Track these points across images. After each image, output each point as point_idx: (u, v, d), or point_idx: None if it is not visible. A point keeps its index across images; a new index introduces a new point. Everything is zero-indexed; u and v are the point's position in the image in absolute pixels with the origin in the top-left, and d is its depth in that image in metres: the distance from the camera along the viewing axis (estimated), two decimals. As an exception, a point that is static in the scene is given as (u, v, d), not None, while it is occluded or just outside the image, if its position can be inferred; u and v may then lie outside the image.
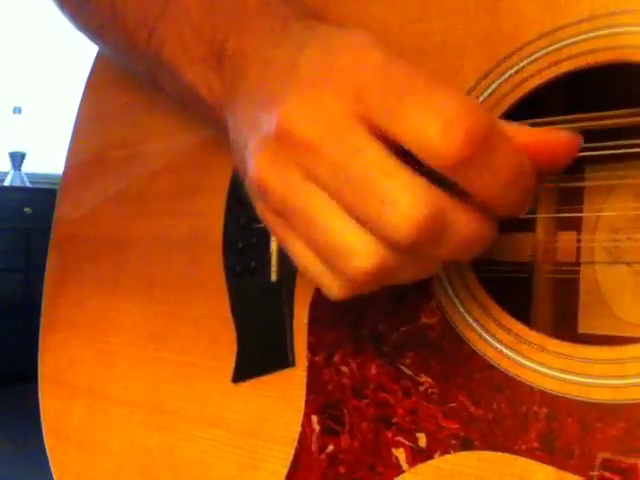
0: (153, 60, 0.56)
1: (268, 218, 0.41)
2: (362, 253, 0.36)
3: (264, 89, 0.41)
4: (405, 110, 0.34)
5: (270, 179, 0.38)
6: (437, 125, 0.33)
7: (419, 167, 0.35)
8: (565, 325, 0.49)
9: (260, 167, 0.38)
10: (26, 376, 0.85)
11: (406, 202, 0.34)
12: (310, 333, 0.51)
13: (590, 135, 0.41)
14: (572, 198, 0.49)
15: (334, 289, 0.39)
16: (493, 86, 0.45)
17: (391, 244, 0.35)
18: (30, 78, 2.89)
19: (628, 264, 0.47)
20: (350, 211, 0.36)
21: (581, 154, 0.42)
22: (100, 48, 0.71)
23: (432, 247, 0.36)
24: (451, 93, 0.34)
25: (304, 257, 0.39)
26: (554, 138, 0.37)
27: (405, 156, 0.35)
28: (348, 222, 0.36)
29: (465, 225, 0.36)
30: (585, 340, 0.41)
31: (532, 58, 0.44)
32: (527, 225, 0.49)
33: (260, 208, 0.41)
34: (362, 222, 0.36)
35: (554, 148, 0.37)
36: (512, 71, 0.45)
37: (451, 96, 0.34)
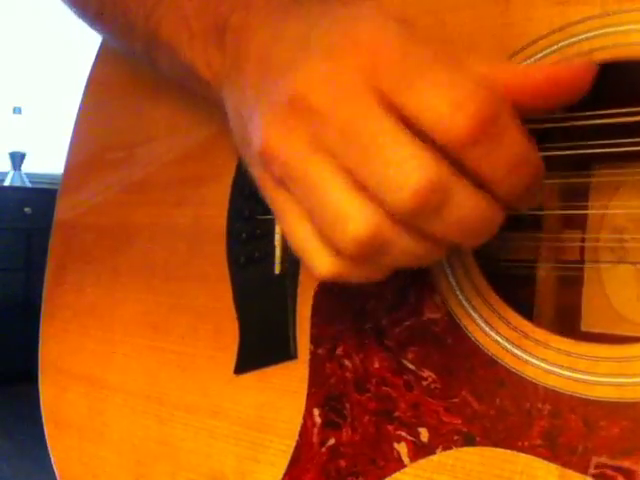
0: (151, 39, 0.55)
1: (268, 188, 0.41)
2: (358, 219, 0.36)
3: (274, 60, 0.41)
4: (419, 85, 0.35)
5: (277, 145, 0.38)
6: (449, 101, 0.34)
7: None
8: (568, 323, 0.49)
9: (268, 133, 0.38)
10: (26, 376, 0.85)
11: (410, 166, 0.34)
12: (313, 326, 0.51)
13: (597, 132, 0.42)
14: (577, 196, 0.49)
15: (324, 264, 0.39)
16: (503, 81, 0.45)
17: (389, 211, 0.36)
18: (30, 78, 2.90)
19: (633, 264, 0.47)
20: (353, 176, 0.36)
21: (588, 151, 0.42)
22: (98, 33, 0.71)
23: (430, 219, 0.36)
24: (466, 73, 0.35)
25: (299, 228, 0.39)
26: (568, 69, 0.38)
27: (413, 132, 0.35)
28: (348, 189, 0.36)
29: (466, 201, 0.36)
30: (587, 338, 0.41)
31: (542, 54, 0.44)
32: (532, 223, 0.49)
33: (262, 178, 0.41)
34: (364, 187, 0.36)
35: (570, 79, 0.38)
36: (522, 66, 0.45)
37: (466, 75, 0.35)
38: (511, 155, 0.35)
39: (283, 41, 0.41)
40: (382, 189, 0.35)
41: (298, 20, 0.42)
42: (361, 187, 0.36)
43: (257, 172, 0.41)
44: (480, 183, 0.36)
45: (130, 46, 0.62)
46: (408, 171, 0.34)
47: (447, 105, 0.34)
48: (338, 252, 0.38)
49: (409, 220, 0.36)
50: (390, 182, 0.35)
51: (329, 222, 0.37)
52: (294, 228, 0.40)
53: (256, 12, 0.46)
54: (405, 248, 0.38)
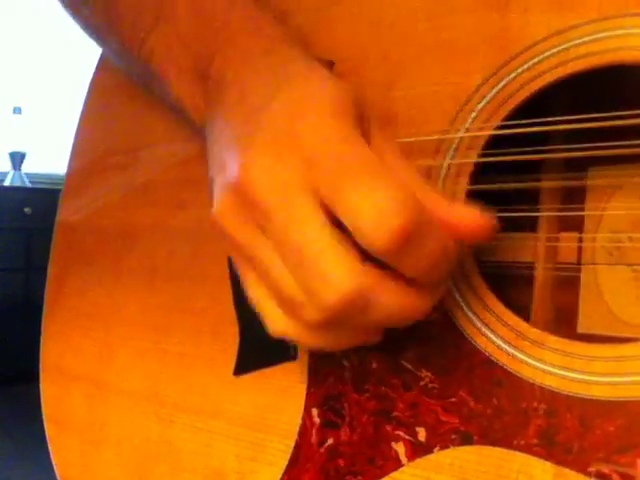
0: (144, 68, 0.57)
1: (230, 251, 0.45)
2: (279, 322, 0.42)
3: (233, 129, 0.44)
4: (347, 192, 0.37)
5: (229, 225, 0.42)
6: (372, 216, 0.37)
7: None
8: (564, 325, 0.49)
9: (220, 211, 0.42)
10: (26, 376, 0.84)
11: (335, 276, 0.38)
12: (312, 327, 0.51)
13: (593, 135, 0.42)
14: (574, 198, 0.49)
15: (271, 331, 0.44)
16: (500, 85, 0.46)
17: (319, 311, 0.39)
18: (30, 78, 2.89)
19: (629, 266, 0.48)
20: (291, 271, 0.39)
21: (585, 153, 0.42)
22: (100, 47, 0.71)
23: (357, 317, 0.39)
24: (393, 185, 0.37)
25: (256, 291, 0.44)
26: (472, 218, 0.40)
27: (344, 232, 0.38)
28: (290, 279, 0.40)
29: (390, 300, 0.39)
30: (584, 340, 0.42)
31: (540, 57, 0.45)
32: (529, 224, 0.50)
33: (225, 242, 0.44)
34: (300, 284, 0.39)
35: (472, 227, 0.40)
36: (520, 70, 0.45)
37: (392, 188, 0.37)
38: (431, 257, 0.38)
39: (244, 106, 0.45)
40: (309, 293, 0.39)
41: (264, 78, 0.45)
42: (298, 281, 0.39)
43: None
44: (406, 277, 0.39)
45: (127, 67, 0.64)
46: (332, 281, 0.38)
47: (369, 219, 0.37)
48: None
49: (337, 318, 0.39)
50: (316, 289, 0.38)
51: (286, 304, 0.41)
52: (251, 290, 0.44)
53: (230, 63, 0.48)
54: (335, 343, 0.44)
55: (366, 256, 0.38)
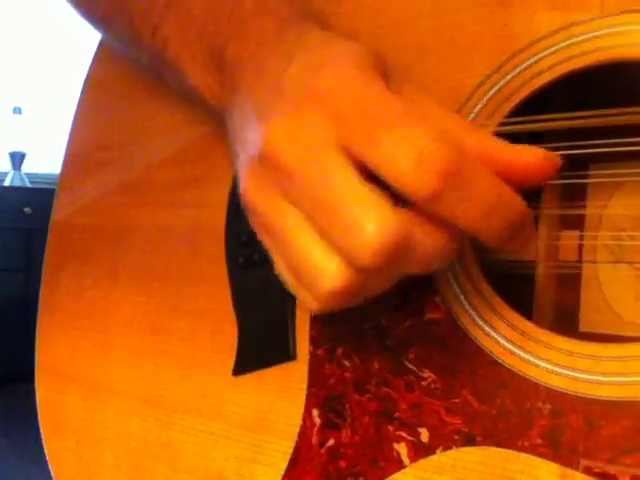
0: (157, 55, 0.56)
1: (257, 229, 0.43)
2: (329, 275, 0.38)
3: (253, 103, 0.43)
4: (380, 140, 0.35)
5: (255, 198, 0.40)
6: (410, 158, 0.34)
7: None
8: (566, 324, 0.49)
9: (246, 186, 0.41)
10: (26, 376, 0.84)
11: (370, 229, 0.35)
12: (312, 326, 0.51)
13: (595, 133, 0.42)
14: (575, 196, 0.49)
15: (309, 304, 0.41)
16: (503, 82, 0.46)
17: (356, 267, 0.37)
18: (30, 78, 2.89)
19: (630, 264, 0.47)
20: (321, 234, 0.38)
21: (586, 151, 0.42)
22: (103, 36, 0.71)
23: (395, 268, 0.38)
24: (427, 126, 0.35)
25: (282, 270, 0.42)
26: (533, 155, 0.38)
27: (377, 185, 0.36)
28: (318, 244, 0.38)
29: (429, 246, 0.37)
30: (586, 339, 0.41)
31: (543, 54, 0.44)
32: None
33: (251, 220, 0.43)
34: (331, 243, 0.37)
35: (533, 167, 0.38)
36: (522, 67, 0.45)
37: (427, 129, 0.35)
38: (483, 201, 0.36)
39: (264, 80, 0.43)
40: (346, 251, 0.37)
41: (279, 55, 0.44)
42: (330, 241, 0.37)
43: (247, 213, 0.44)
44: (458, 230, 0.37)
45: (136, 55, 0.62)
46: (368, 235, 0.35)
47: (408, 162, 0.35)
48: (316, 297, 0.40)
49: (375, 272, 0.37)
50: (353, 246, 0.36)
51: (304, 275, 0.39)
52: (278, 270, 0.42)
53: (247, 41, 0.47)
54: (374, 287, 0.41)
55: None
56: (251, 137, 0.41)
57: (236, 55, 0.47)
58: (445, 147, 0.34)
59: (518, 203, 0.37)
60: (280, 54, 0.43)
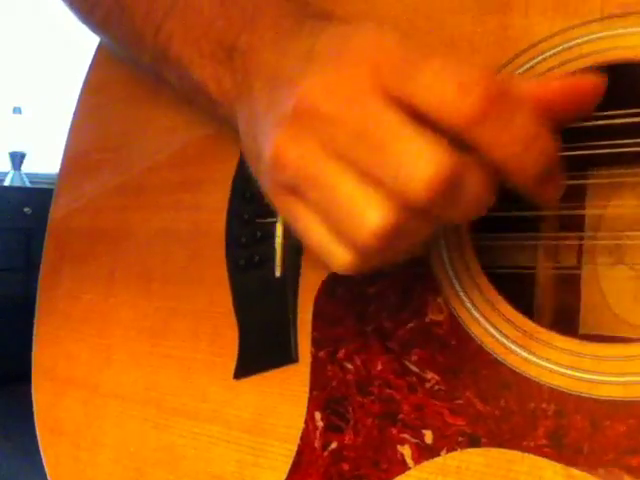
0: (159, 55, 0.56)
1: (279, 196, 0.42)
2: (374, 213, 0.37)
3: (281, 75, 0.43)
4: (422, 75, 0.36)
5: (288, 153, 0.40)
6: (454, 85, 0.35)
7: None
8: (566, 325, 0.49)
9: (278, 142, 0.40)
10: (26, 376, 0.83)
11: (424, 162, 0.35)
12: (314, 328, 0.51)
13: (594, 134, 0.42)
14: (575, 198, 0.49)
15: (343, 259, 0.40)
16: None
17: (404, 204, 0.37)
18: (30, 78, 2.89)
19: (630, 265, 0.47)
20: (366, 175, 0.37)
21: (585, 152, 0.42)
22: (102, 39, 0.71)
23: (444, 207, 0.37)
24: (467, 64, 0.36)
25: (314, 231, 0.41)
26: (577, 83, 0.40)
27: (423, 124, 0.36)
28: (361, 186, 0.38)
29: (475, 186, 0.37)
30: (586, 340, 0.41)
31: (543, 56, 0.44)
32: (529, 224, 0.49)
33: (273, 188, 0.42)
34: (377, 185, 0.37)
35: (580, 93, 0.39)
36: (522, 69, 0.45)
37: (466, 65, 0.36)
38: (522, 131, 0.37)
39: (289, 58, 0.44)
40: (397, 184, 0.36)
41: (301, 39, 0.44)
42: (376, 183, 0.37)
43: (268, 183, 0.43)
44: (497, 167, 0.37)
45: (136, 56, 0.62)
46: (420, 165, 0.35)
47: (453, 88, 0.35)
48: (355, 246, 0.39)
49: (425, 210, 0.37)
50: (404, 177, 0.36)
51: (345, 219, 0.38)
52: (309, 232, 0.41)
53: (261, 35, 0.47)
54: (418, 233, 0.40)
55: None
56: (283, 98, 0.41)
57: (251, 43, 0.48)
58: (487, 76, 0.36)
59: (554, 144, 0.38)
60: (304, 36, 0.44)
